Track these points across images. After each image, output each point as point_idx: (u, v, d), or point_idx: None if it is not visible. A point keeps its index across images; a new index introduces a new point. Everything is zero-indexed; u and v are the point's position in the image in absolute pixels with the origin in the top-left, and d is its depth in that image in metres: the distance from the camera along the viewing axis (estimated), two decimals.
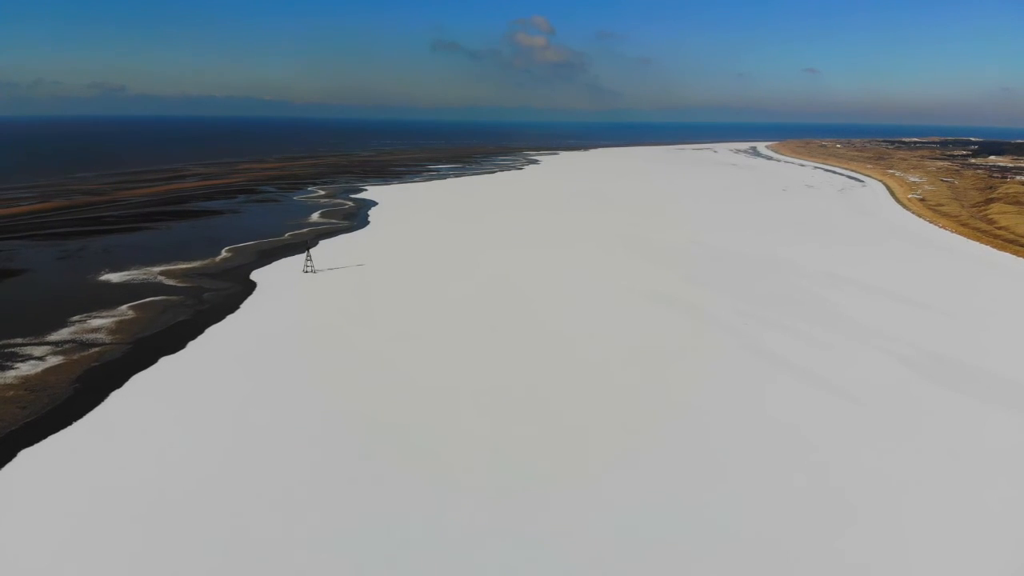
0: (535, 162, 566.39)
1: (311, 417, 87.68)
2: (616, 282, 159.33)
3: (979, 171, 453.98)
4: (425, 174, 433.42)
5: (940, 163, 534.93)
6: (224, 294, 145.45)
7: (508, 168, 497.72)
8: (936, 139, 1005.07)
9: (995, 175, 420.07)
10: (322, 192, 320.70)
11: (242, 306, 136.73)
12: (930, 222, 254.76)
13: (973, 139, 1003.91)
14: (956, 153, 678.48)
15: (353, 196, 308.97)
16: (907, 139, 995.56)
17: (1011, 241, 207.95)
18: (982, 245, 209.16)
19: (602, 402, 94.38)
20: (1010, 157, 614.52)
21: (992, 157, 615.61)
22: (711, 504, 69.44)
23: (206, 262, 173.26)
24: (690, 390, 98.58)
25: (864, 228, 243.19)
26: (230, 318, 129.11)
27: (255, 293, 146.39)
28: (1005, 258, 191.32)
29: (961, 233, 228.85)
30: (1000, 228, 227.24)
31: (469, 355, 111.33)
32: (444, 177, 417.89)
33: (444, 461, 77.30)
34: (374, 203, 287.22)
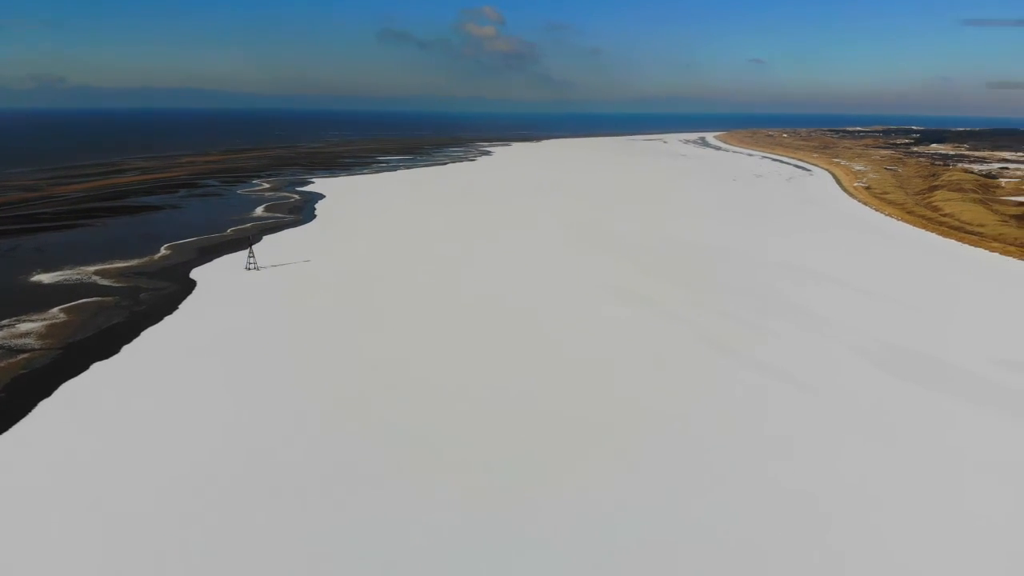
0: (488, 153, 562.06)
1: (252, 422, 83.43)
2: (571, 273, 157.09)
3: (921, 159, 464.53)
4: (375, 166, 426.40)
5: (884, 152, 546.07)
6: (162, 294, 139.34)
7: (460, 159, 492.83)
8: (879, 128, 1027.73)
9: (937, 163, 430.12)
10: (267, 185, 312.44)
11: (180, 306, 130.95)
12: (877, 210, 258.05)
13: (914, 128, 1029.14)
14: (899, 142, 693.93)
15: (300, 189, 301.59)
16: (851, 128, 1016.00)
17: (956, 228, 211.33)
18: (928, 232, 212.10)
19: (552, 398, 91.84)
20: (951, 145, 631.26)
21: (934, 145, 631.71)
22: (674, 504, 67.36)
23: (144, 260, 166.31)
24: (646, 386, 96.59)
25: (814, 217, 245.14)
26: (168, 319, 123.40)
27: (195, 292, 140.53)
28: (951, 245, 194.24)
29: (907, 221, 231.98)
30: (945, 215, 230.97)
31: (416, 351, 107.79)
32: (395, 169, 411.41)
33: (390, 464, 73.96)
34: (321, 196, 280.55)
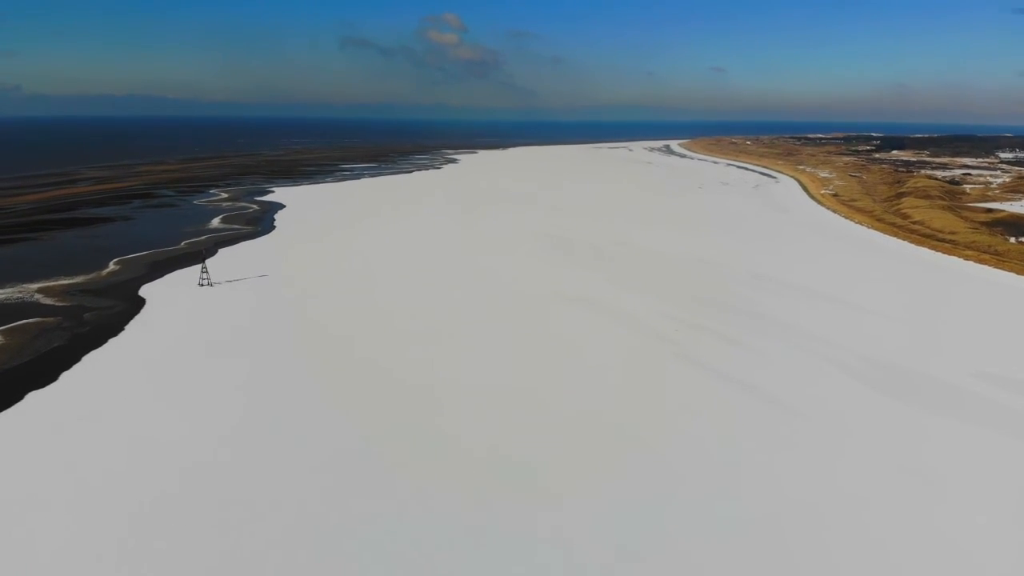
0: (453, 161, 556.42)
1: (200, 456, 76.03)
2: (542, 285, 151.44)
3: (884, 166, 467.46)
4: (337, 174, 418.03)
5: (847, 158, 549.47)
6: (108, 313, 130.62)
7: (426, 167, 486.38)
8: (840, 135, 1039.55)
9: (900, 169, 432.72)
10: (225, 195, 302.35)
11: (127, 327, 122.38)
12: (846, 218, 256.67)
13: (874, 134, 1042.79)
14: (860, 148, 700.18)
15: (259, 199, 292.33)
16: (812, 135, 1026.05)
17: (928, 236, 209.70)
18: (900, 240, 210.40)
19: (523, 418, 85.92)
20: (911, 151, 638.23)
21: (895, 152, 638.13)
22: (645, 542, 61.60)
23: (91, 276, 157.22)
24: (623, 406, 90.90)
25: (783, 225, 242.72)
26: (112, 342, 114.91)
27: (143, 311, 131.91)
28: (925, 253, 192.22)
29: (878, 228, 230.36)
30: (915, 223, 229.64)
31: (375, 374, 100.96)
32: (358, 177, 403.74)
33: (337, 494, 67.41)
34: (281, 206, 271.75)
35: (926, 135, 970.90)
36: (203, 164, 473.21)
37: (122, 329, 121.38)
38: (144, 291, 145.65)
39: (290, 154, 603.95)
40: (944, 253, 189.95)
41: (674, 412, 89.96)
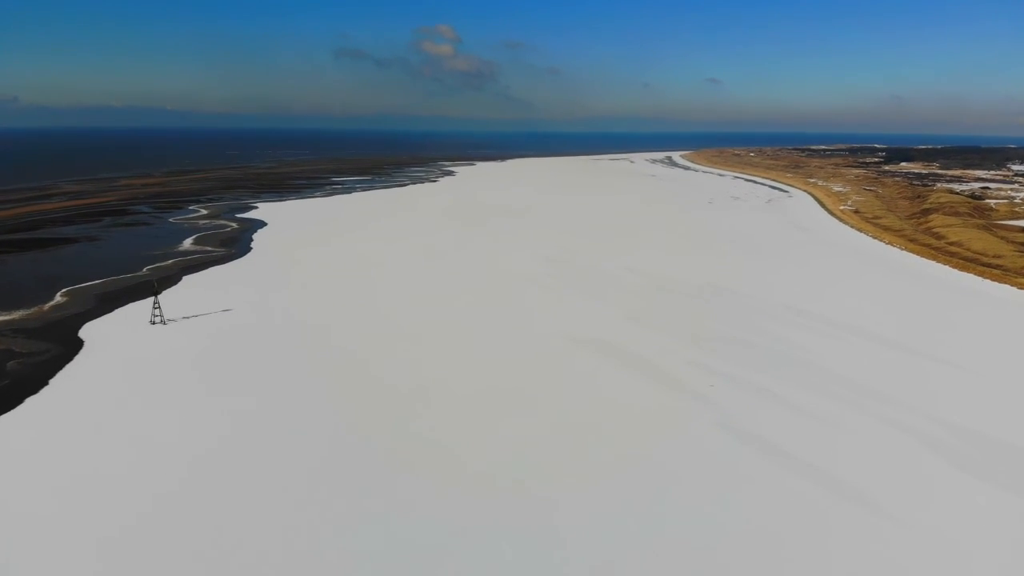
0: (450, 173, 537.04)
1: (124, 550, 56.00)
2: (547, 324, 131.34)
3: (897, 179, 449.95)
4: (328, 188, 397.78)
5: (856, 171, 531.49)
6: (35, 361, 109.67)
7: (421, 180, 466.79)
8: (843, 146, 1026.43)
9: (915, 183, 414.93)
10: (204, 212, 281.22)
11: (52, 381, 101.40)
12: (874, 238, 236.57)
13: (878, 145, 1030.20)
14: (868, 160, 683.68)
15: (240, 216, 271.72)
16: (816, 147, 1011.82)
17: (971, 260, 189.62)
18: (941, 265, 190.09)
19: (520, 502, 65.98)
20: (921, 163, 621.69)
21: (903, 164, 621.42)
22: None
23: (30, 311, 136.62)
24: (646, 494, 70.92)
25: (807, 246, 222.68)
26: (30, 402, 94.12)
27: (78, 358, 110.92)
28: (974, 281, 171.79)
29: (912, 250, 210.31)
30: (952, 244, 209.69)
31: (340, 438, 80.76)
32: (350, 191, 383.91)
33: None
34: (262, 224, 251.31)
35: (931, 146, 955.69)
36: (189, 177, 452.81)
37: (46, 383, 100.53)
38: (85, 331, 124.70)
39: (281, 166, 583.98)
40: (993, 280, 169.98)
41: (717, 508, 69.70)
